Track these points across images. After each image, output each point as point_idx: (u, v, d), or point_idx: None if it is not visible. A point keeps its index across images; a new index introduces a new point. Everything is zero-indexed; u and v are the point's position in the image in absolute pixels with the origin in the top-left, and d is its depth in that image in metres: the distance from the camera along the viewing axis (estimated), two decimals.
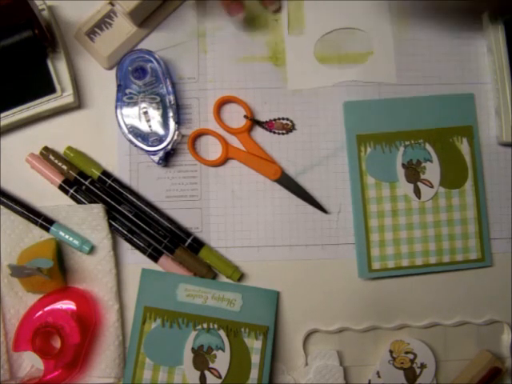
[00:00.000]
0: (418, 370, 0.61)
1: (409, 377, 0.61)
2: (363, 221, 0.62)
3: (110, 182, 0.62)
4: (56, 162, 0.62)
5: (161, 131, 0.61)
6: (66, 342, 0.57)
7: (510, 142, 0.63)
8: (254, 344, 0.60)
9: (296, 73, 0.64)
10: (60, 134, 0.63)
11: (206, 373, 0.60)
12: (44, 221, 0.60)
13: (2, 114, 0.60)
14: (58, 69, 0.61)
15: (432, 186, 0.63)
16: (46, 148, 0.62)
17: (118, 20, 0.62)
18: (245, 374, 0.60)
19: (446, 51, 0.65)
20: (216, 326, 0.60)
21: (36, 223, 0.60)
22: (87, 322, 0.59)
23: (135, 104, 0.61)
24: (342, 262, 0.63)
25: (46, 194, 0.62)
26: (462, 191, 0.63)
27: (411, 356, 0.61)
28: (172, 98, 0.61)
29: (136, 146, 0.61)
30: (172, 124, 0.61)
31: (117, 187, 0.62)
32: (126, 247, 0.62)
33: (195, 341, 0.60)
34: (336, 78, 0.64)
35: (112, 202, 0.62)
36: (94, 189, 0.62)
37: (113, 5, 0.62)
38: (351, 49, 0.64)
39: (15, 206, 0.60)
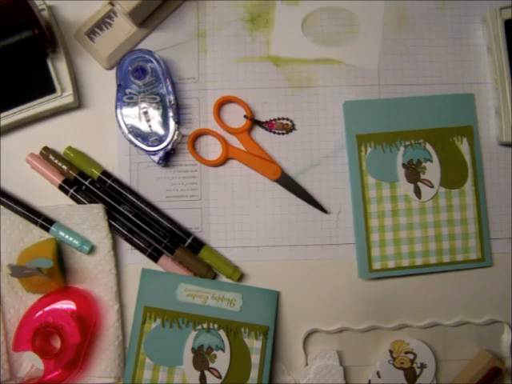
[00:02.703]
0: (418, 370, 0.61)
1: (409, 377, 0.61)
2: (363, 221, 0.62)
3: (110, 182, 0.62)
4: (56, 161, 0.62)
5: (161, 131, 0.61)
6: (66, 341, 0.57)
7: (510, 142, 0.63)
8: (254, 344, 0.60)
9: (280, 39, 0.64)
10: (60, 134, 0.63)
11: (206, 373, 0.60)
12: (44, 221, 0.60)
13: (2, 114, 0.60)
14: (58, 69, 0.61)
15: (432, 186, 0.63)
16: (45, 148, 0.62)
17: (118, 20, 0.62)
18: (245, 374, 0.60)
19: (446, 51, 0.65)
20: (216, 325, 0.60)
21: (36, 223, 0.60)
22: (87, 322, 0.59)
23: (135, 104, 0.61)
24: (342, 262, 0.63)
25: (45, 194, 0.62)
26: (462, 191, 0.63)
27: (411, 356, 0.61)
28: (172, 97, 0.61)
29: (136, 146, 0.61)
30: (172, 124, 0.61)
31: (117, 187, 0.62)
32: (126, 247, 0.62)
33: (195, 341, 0.60)
34: (317, 54, 0.64)
35: (112, 202, 0.62)
36: (94, 189, 0.62)
37: (113, 5, 0.62)
38: (338, 29, 0.64)
39: (15, 206, 0.60)
